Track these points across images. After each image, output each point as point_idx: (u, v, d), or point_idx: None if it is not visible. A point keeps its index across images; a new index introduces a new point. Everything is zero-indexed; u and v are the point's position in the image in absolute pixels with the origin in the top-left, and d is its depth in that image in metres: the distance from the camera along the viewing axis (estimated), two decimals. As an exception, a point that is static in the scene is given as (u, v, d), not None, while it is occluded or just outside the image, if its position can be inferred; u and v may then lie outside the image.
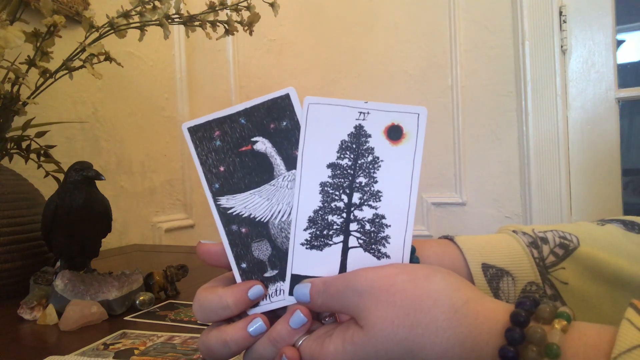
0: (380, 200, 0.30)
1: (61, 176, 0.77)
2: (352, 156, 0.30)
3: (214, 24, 0.85)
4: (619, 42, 1.52)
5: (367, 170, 0.30)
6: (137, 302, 0.60)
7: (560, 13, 1.51)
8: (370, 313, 0.27)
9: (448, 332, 0.25)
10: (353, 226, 0.30)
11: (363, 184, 0.30)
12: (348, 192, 0.30)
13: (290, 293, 0.31)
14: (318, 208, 0.30)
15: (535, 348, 0.23)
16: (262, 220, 0.31)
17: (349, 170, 0.30)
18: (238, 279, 0.32)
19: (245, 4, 0.86)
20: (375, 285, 0.27)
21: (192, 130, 0.31)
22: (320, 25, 1.76)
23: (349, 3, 1.75)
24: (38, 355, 0.45)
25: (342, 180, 0.30)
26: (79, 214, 0.63)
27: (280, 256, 0.31)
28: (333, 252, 0.30)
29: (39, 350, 0.48)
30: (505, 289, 0.36)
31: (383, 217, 0.30)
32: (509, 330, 0.24)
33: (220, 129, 0.31)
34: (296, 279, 0.31)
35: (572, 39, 1.53)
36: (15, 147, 0.79)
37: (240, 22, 0.88)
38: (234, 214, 0.31)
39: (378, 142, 0.30)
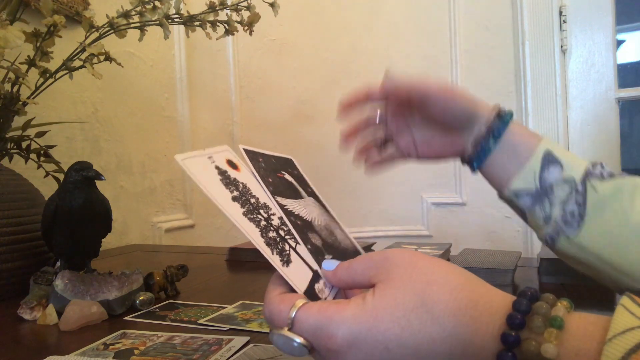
0: (270, 209, 0.36)
1: (61, 176, 0.77)
2: (232, 187, 0.35)
3: (214, 24, 0.85)
4: (619, 42, 1.52)
5: (248, 194, 0.36)
6: (137, 302, 0.60)
7: (560, 13, 1.51)
8: (392, 271, 0.29)
9: (457, 304, 0.27)
10: (282, 233, 0.35)
11: (255, 203, 0.35)
12: (257, 212, 0.35)
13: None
14: (260, 232, 0.33)
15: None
16: (306, 219, 0.39)
17: (243, 197, 0.35)
18: (309, 256, 0.35)
19: (245, 4, 0.86)
20: (398, 251, 0.30)
21: (245, 151, 0.40)
22: (320, 25, 1.75)
23: (349, 3, 1.75)
24: (38, 355, 0.45)
25: (249, 206, 0.35)
26: (79, 214, 0.63)
27: (329, 243, 0.38)
28: (296, 258, 0.34)
29: (39, 350, 0.48)
30: (551, 170, 0.46)
31: (281, 218, 0.36)
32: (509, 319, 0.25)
33: (262, 157, 0.41)
34: (310, 292, 0.32)
35: (572, 39, 1.53)
36: (15, 147, 0.79)
37: (240, 22, 0.88)
38: (288, 209, 0.38)
39: (231, 171, 0.37)
